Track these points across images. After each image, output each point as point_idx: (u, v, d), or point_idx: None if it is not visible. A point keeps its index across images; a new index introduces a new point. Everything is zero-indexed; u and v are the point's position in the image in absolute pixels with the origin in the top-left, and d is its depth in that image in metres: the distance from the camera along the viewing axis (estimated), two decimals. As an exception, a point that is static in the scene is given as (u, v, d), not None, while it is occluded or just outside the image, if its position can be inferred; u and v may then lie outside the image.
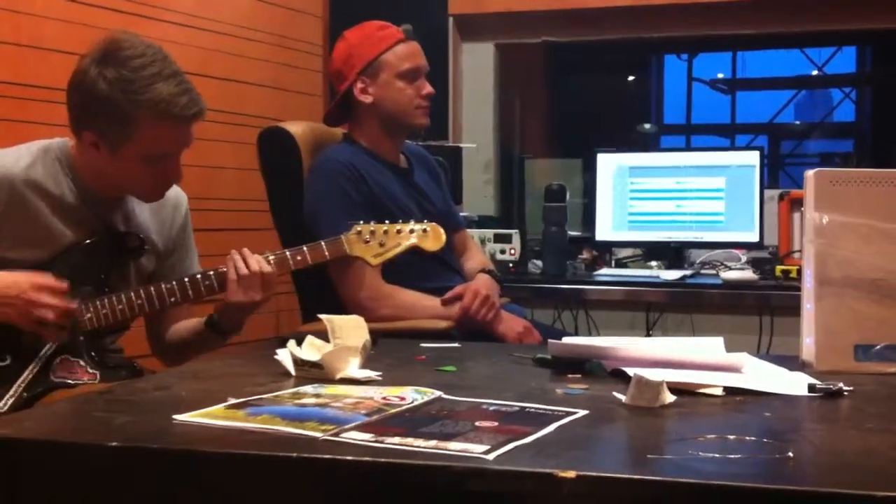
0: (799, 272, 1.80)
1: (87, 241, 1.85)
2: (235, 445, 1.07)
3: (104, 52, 1.76)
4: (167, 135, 1.79)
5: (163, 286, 1.84)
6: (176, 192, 2.02)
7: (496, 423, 1.14)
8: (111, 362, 1.85)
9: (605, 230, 3.59)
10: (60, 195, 1.83)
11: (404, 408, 1.23)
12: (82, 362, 1.79)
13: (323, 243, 1.93)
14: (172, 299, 1.85)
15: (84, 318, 1.80)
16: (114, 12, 2.96)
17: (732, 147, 7.90)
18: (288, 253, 1.91)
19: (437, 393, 1.31)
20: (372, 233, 1.92)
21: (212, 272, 1.87)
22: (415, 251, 1.97)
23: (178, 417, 1.17)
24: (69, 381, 1.77)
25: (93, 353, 1.81)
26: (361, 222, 1.94)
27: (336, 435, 1.08)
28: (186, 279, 1.86)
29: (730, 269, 3.35)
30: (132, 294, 1.83)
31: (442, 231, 1.96)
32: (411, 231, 1.93)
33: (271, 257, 1.88)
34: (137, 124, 1.75)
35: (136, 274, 1.94)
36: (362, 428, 1.11)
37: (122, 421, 1.19)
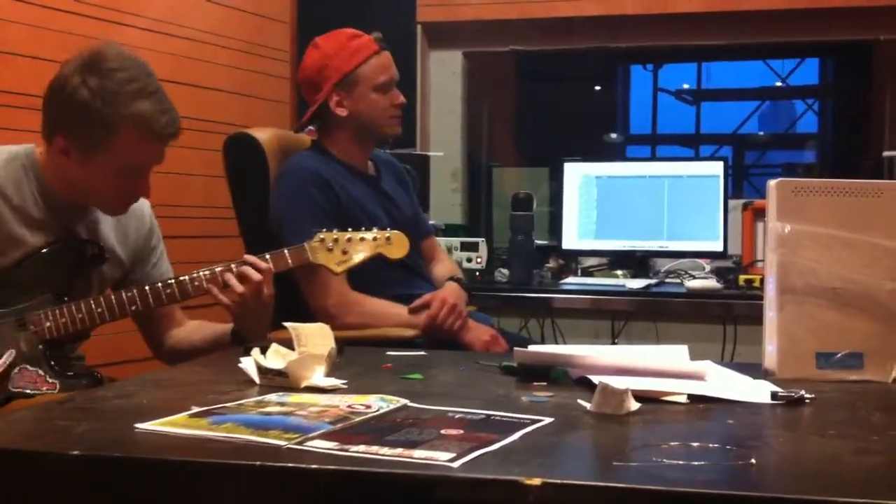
0: (762, 281, 1.82)
1: (48, 248, 1.82)
2: (198, 454, 1.06)
3: (89, 61, 1.75)
4: (142, 151, 1.78)
5: (123, 294, 1.82)
6: (139, 202, 2.00)
7: (462, 431, 1.14)
8: (71, 371, 1.83)
9: (571, 239, 3.61)
10: (23, 202, 1.81)
11: (369, 416, 1.22)
12: (41, 371, 1.77)
13: (286, 251, 1.91)
14: (133, 307, 1.83)
15: (43, 326, 1.77)
16: (82, 17, 2.93)
17: (697, 157, 7.98)
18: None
19: (403, 401, 1.31)
20: (335, 240, 1.91)
21: (173, 280, 1.86)
22: (381, 258, 1.96)
23: (140, 426, 1.16)
24: (28, 391, 1.74)
25: (52, 363, 1.78)
26: (325, 230, 1.93)
27: (300, 443, 1.07)
28: (147, 287, 1.84)
29: (694, 278, 3.38)
30: (92, 302, 1.81)
31: (406, 239, 1.96)
32: (374, 239, 1.93)
33: (233, 265, 1.86)
34: (114, 136, 1.75)
35: (98, 282, 1.92)
36: (327, 436, 1.11)
37: (83, 429, 1.18)
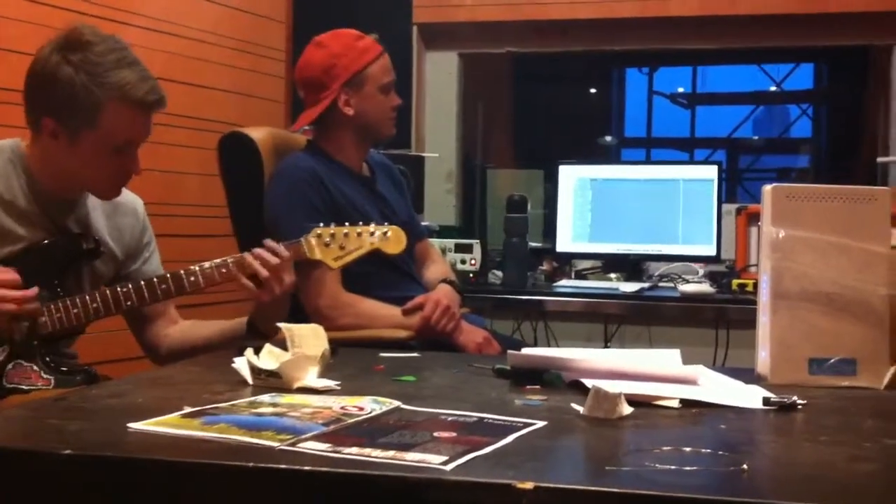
0: (755, 286, 1.82)
1: (41, 243, 1.82)
2: (191, 454, 1.06)
3: (66, 39, 1.76)
4: (129, 121, 1.78)
5: (118, 289, 1.82)
6: (131, 198, 2.00)
7: (454, 434, 1.14)
8: (66, 367, 1.82)
9: (565, 242, 3.61)
10: (12, 197, 1.81)
11: (362, 418, 1.22)
12: (36, 367, 1.76)
13: (282, 245, 1.91)
14: (129, 303, 1.82)
15: (38, 321, 1.77)
16: (79, 14, 2.92)
17: (691, 161, 7.99)
18: (248, 256, 1.89)
19: (396, 403, 1.31)
20: (332, 235, 1.90)
21: (169, 275, 1.85)
22: (376, 258, 1.95)
23: (133, 425, 1.16)
24: (22, 387, 1.74)
25: (47, 359, 1.78)
26: (322, 225, 1.92)
27: (293, 445, 1.07)
28: (142, 282, 1.84)
29: (687, 282, 3.38)
30: (87, 298, 1.80)
31: (403, 234, 1.94)
32: (372, 234, 1.91)
33: (230, 260, 1.86)
34: (101, 108, 1.75)
35: (91, 278, 1.91)
36: (320, 438, 1.11)
37: (76, 428, 1.18)
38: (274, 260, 1.84)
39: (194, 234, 3.21)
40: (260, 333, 1.89)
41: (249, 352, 1.49)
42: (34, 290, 1.72)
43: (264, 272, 1.83)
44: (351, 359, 1.75)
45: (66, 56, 1.74)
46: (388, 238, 1.91)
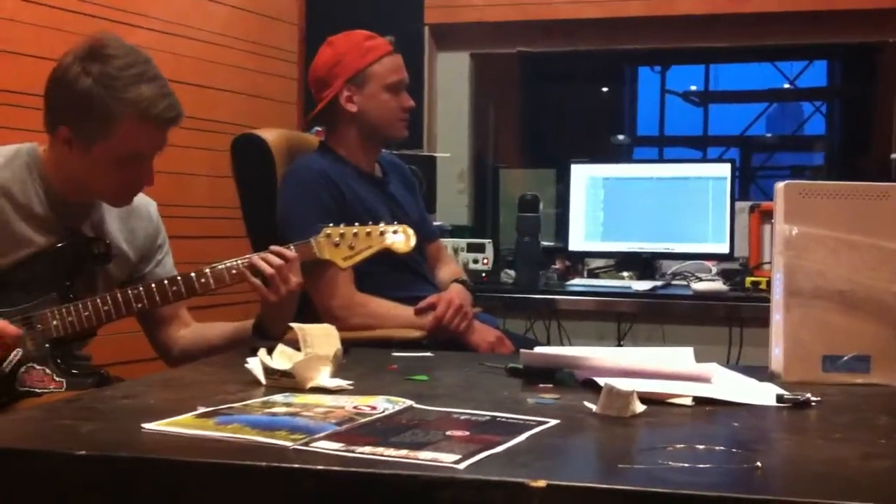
0: (768, 283, 1.82)
1: (52, 247, 1.83)
2: (205, 454, 1.06)
3: (89, 50, 1.77)
4: (143, 136, 1.78)
5: (129, 292, 1.82)
6: (145, 201, 2.00)
7: (467, 433, 1.14)
8: (78, 370, 1.83)
9: (577, 240, 3.61)
10: (28, 201, 1.82)
11: (375, 417, 1.23)
12: (48, 370, 1.77)
13: (292, 246, 1.91)
14: (139, 305, 1.83)
15: (50, 325, 1.78)
16: (88, 17, 2.93)
17: (704, 159, 7.96)
18: (256, 257, 1.89)
19: (409, 402, 1.31)
20: (342, 235, 1.90)
21: (180, 277, 1.86)
22: (386, 257, 1.95)
23: (147, 426, 1.16)
24: (35, 390, 1.75)
25: (59, 361, 1.79)
26: (331, 224, 1.92)
27: (306, 444, 1.08)
28: (153, 284, 1.84)
29: (700, 280, 3.37)
30: (98, 300, 1.81)
31: (413, 232, 1.94)
32: (381, 233, 1.91)
33: (239, 262, 1.86)
34: (116, 122, 1.75)
35: (104, 281, 1.92)
36: (333, 437, 1.11)
37: (90, 429, 1.18)
38: (280, 260, 1.85)
39: (203, 236, 3.22)
40: (266, 335, 1.89)
41: (262, 352, 1.50)
42: (20, 353, 1.73)
43: (271, 270, 1.84)
44: (363, 359, 1.75)
45: (85, 67, 1.74)
46: (397, 237, 1.91)
